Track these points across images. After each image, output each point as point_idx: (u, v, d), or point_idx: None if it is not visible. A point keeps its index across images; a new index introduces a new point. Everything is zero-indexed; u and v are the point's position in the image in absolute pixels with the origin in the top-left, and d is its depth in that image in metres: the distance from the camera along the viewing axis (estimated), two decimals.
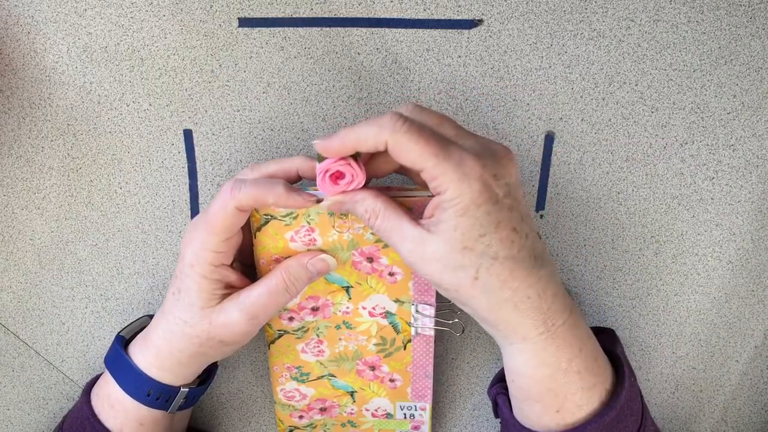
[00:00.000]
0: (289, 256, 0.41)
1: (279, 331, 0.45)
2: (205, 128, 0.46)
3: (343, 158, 0.37)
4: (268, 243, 0.41)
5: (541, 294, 0.36)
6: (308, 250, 0.41)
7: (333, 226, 0.40)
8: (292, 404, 0.49)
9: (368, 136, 0.35)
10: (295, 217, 0.40)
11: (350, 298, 0.44)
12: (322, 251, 0.41)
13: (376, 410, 0.49)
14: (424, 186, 0.37)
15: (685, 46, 0.44)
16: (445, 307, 0.45)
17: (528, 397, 0.39)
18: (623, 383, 0.39)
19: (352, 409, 0.49)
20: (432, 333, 0.45)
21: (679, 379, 0.52)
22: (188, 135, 0.47)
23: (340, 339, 0.45)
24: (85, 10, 0.43)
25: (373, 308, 0.44)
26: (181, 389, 0.43)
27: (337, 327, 0.45)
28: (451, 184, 0.34)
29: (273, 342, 0.46)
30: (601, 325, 0.51)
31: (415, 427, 0.50)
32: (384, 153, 0.36)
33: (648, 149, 0.46)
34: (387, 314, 0.44)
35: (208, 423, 0.54)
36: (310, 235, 0.41)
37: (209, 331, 0.40)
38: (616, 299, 0.50)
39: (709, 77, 0.44)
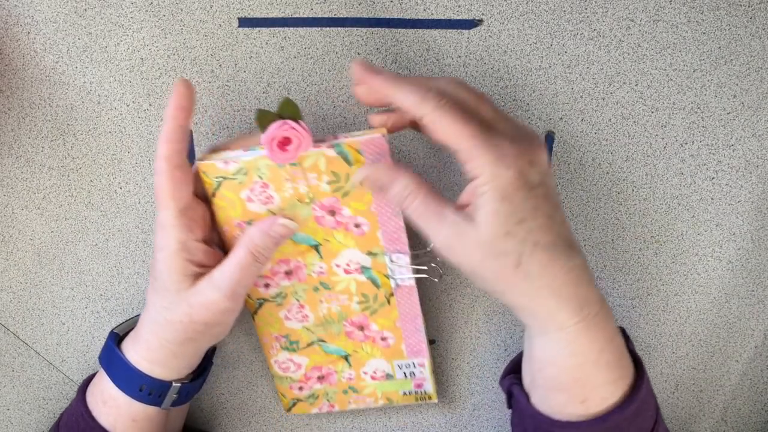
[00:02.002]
0: (251, 221, 0.41)
1: (258, 300, 0.45)
2: (205, 128, 0.46)
3: (285, 122, 0.36)
4: (226, 208, 0.41)
5: (578, 282, 0.36)
6: (268, 210, 0.41)
7: (286, 179, 0.40)
8: (289, 375, 0.48)
9: (408, 99, 0.35)
10: (245, 174, 0.39)
11: (321, 257, 0.43)
12: (282, 211, 0.41)
13: (374, 372, 0.48)
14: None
15: (685, 46, 0.44)
16: (419, 254, 0.44)
17: (555, 387, 0.39)
18: (643, 378, 0.39)
19: (350, 374, 0.48)
20: (413, 283, 0.44)
21: (679, 379, 0.52)
22: (188, 135, 0.47)
23: (321, 301, 0.45)
24: (85, 10, 0.43)
25: (347, 264, 0.43)
26: (173, 384, 0.43)
27: (315, 289, 0.44)
28: (486, 168, 0.34)
29: (255, 312, 0.46)
30: None
31: (418, 385, 0.49)
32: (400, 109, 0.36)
33: (648, 149, 0.46)
34: (362, 269, 0.43)
35: (208, 423, 0.54)
36: (265, 191, 0.40)
37: (190, 314, 0.40)
38: (616, 299, 0.50)
39: (709, 77, 0.44)
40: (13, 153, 0.46)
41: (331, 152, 0.39)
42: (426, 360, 0.47)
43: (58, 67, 0.45)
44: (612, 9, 0.43)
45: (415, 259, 0.43)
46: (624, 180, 0.47)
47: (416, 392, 0.49)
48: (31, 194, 0.47)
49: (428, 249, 0.42)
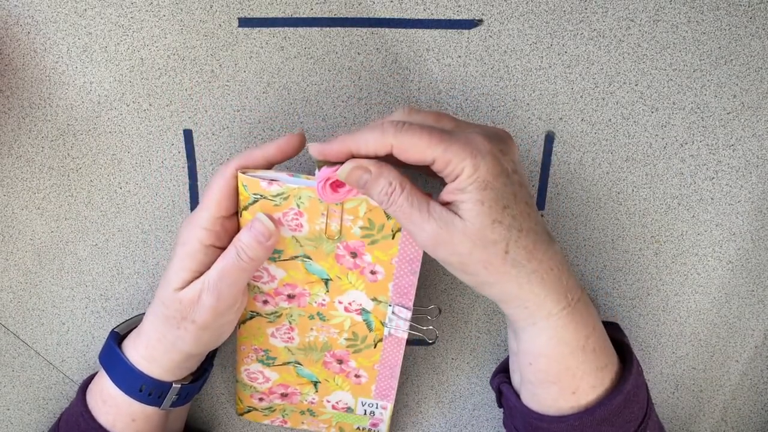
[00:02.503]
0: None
1: (252, 312, 0.45)
2: (205, 128, 0.46)
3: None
4: None
5: (560, 267, 0.37)
6: (293, 237, 0.41)
7: (322, 213, 0.40)
8: (254, 385, 0.48)
9: (369, 140, 0.35)
10: (285, 198, 0.40)
11: (327, 291, 0.44)
12: (307, 241, 0.41)
13: (337, 403, 0.49)
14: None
15: (685, 46, 0.44)
16: (420, 313, 0.45)
17: (546, 380, 0.39)
18: (630, 369, 0.40)
19: (314, 399, 0.49)
20: (404, 336, 0.45)
21: (679, 379, 0.52)
22: (188, 135, 0.47)
23: (311, 329, 0.45)
24: (85, 10, 0.43)
25: (350, 303, 0.44)
26: (173, 385, 0.43)
27: (311, 317, 0.45)
28: (465, 162, 0.34)
29: (243, 322, 0.46)
30: None
31: (374, 425, 0.50)
32: (386, 158, 0.36)
33: (648, 149, 0.46)
34: (362, 311, 0.44)
35: (208, 423, 0.54)
36: (297, 219, 0.40)
37: (181, 311, 0.40)
38: (616, 299, 0.50)
39: (709, 77, 0.44)
40: (13, 153, 0.46)
41: (374, 202, 0.39)
42: (390, 405, 0.48)
43: (58, 67, 0.45)
44: (612, 9, 0.43)
45: (414, 315, 0.45)
46: (624, 180, 0.47)
47: (369, 430, 0.50)
48: (31, 194, 0.47)
49: (431, 316, 0.45)
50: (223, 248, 0.40)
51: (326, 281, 0.43)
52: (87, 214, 0.48)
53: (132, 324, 0.46)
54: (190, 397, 0.46)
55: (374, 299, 0.44)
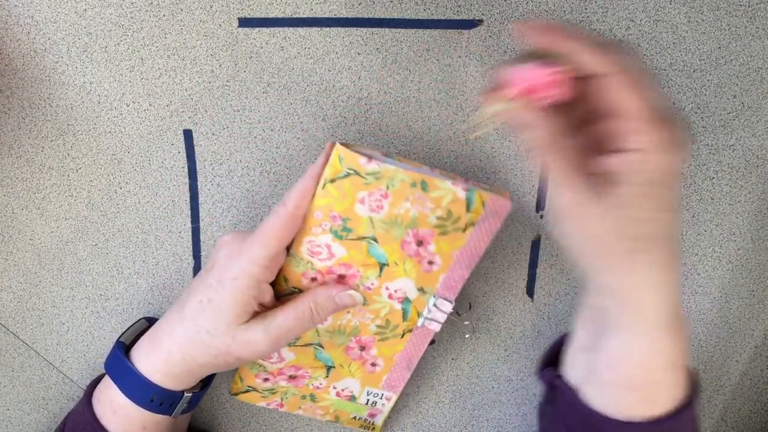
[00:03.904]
0: (347, 219, 0.40)
1: (293, 288, 0.44)
2: (205, 128, 0.46)
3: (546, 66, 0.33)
4: (334, 197, 0.40)
5: (678, 283, 0.36)
6: (369, 217, 0.40)
7: (408, 198, 0.40)
8: (264, 365, 0.47)
9: (588, 57, 0.32)
10: (378, 178, 0.39)
11: (380, 276, 0.43)
12: (382, 223, 0.40)
13: (342, 390, 0.48)
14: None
15: (685, 46, 0.44)
16: (460, 309, 0.45)
17: (627, 386, 0.37)
18: (698, 384, 0.39)
19: (320, 384, 0.48)
20: (436, 329, 0.45)
21: None
22: (188, 135, 0.47)
23: (348, 312, 0.44)
24: (85, 10, 0.43)
25: (396, 291, 0.44)
26: (185, 394, 0.43)
27: None
28: (656, 146, 0.32)
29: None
30: None
31: (372, 415, 0.50)
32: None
33: None
34: (404, 300, 0.44)
35: (208, 423, 0.54)
36: (381, 201, 0.40)
37: (230, 345, 0.40)
38: None
39: (709, 77, 0.44)
40: (13, 153, 0.46)
41: (462, 194, 0.39)
42: (395, 397, 0.48)
43: (58, 67, 0.45)
44: (612, 9, 0.43)
45: (455, 310, 0.45)
46: None
47: (366, 420, 0.50)
48: (31, 194, 0.47)
49: (461, 311, 0.46)
50: (270, 281, 0.41)
51: (382, 266, 0.43)
52: (87, 214, 0.48)
53: (136, 331, 0.46)
54: (198, 402, 0.46)
55: (420, 289, 0.43)
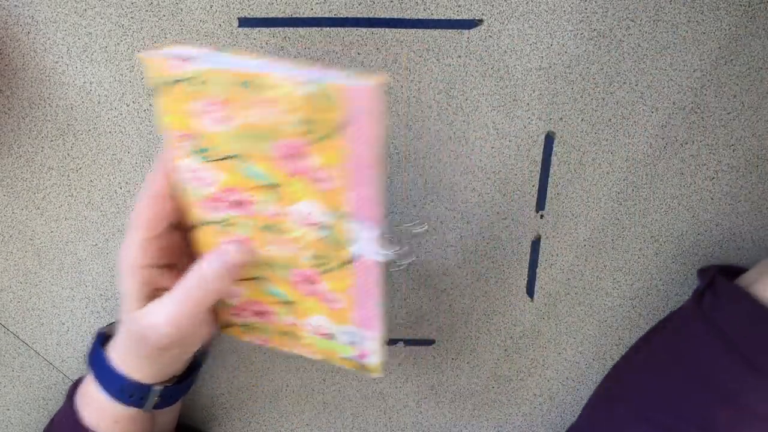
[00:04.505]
0: (195, 136, 0.35)
1: (203, 220, 0.40)
2: None
3: None
4: (173, 112, 0.35)
5: None
6: (219, 131, 0.34)
7: (250, 103, 0.33)
8: (226, 300, 0.44)
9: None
10: (203, 82, 0.33)
11: (279, 200, 0.36)
12: (238, 138, 0.34)
13: (317, 328, 0.43)
14: None
15: (685, 46, 0.44)
16: (402, 229, 0.39)
17: None
18: None
19: (292, 320, 0.43)
20: (378, 259, 0.37)
21: None
22: None
23: (269, 242, 0.39)
24: (85, 10, 0.43)
25: (308, 215, 0.37)
26: (153, 388, 0.43)
27: (264, 228, 0.39)
28: None
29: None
30: (602, 326, 0.51)
31: (361, 355, 0.43)
32: None
33: (648, 149, 0.46)
34: (321, 226, 0.37)
35: (207, 423, 0.54)
36: (221, 110, 0.34)
37: (140, 333, 0.39)
38: (617, 299, 0.50)
39: (709, 77, 0.44)
40: (13, 153, 0.46)
41: (303, 89, 0.31)
42: (376, 335, 0.41)
43: (58, 67, 0.45)
44: (612, 9, 0.43)
45: (392, 232, 0.38)
46: (624, 180, 0.47)
47: (358, 361, 0.44)
48: (31, 194, 0.47)
49: (424, 228, 0.37)
50: (164, 264, 0.40)
51: (272, 187, 0.36)
52: (87, 214, 0.48)
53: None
54: (176, 398, 0.46)
55: (333, 212, 0.36)
